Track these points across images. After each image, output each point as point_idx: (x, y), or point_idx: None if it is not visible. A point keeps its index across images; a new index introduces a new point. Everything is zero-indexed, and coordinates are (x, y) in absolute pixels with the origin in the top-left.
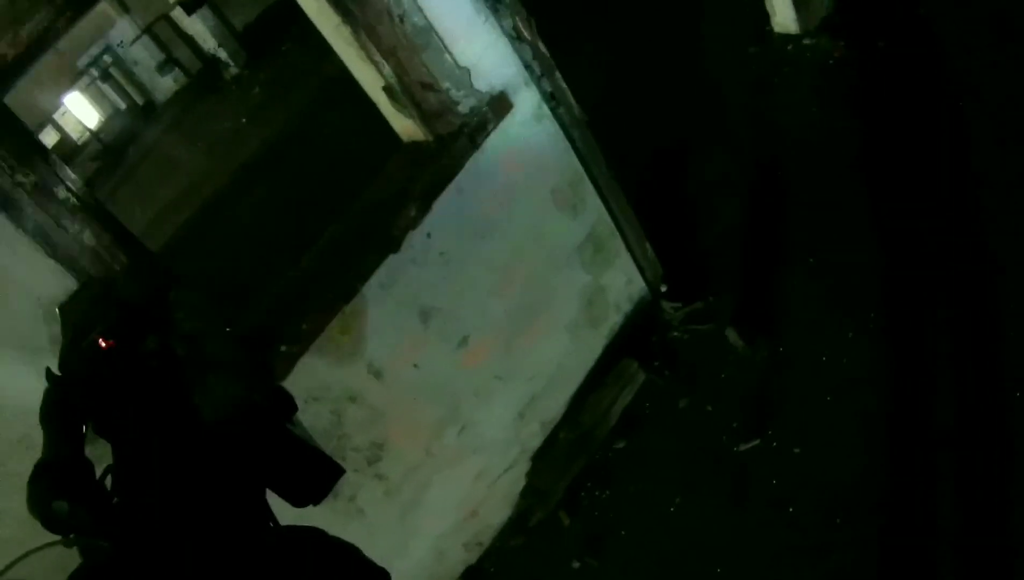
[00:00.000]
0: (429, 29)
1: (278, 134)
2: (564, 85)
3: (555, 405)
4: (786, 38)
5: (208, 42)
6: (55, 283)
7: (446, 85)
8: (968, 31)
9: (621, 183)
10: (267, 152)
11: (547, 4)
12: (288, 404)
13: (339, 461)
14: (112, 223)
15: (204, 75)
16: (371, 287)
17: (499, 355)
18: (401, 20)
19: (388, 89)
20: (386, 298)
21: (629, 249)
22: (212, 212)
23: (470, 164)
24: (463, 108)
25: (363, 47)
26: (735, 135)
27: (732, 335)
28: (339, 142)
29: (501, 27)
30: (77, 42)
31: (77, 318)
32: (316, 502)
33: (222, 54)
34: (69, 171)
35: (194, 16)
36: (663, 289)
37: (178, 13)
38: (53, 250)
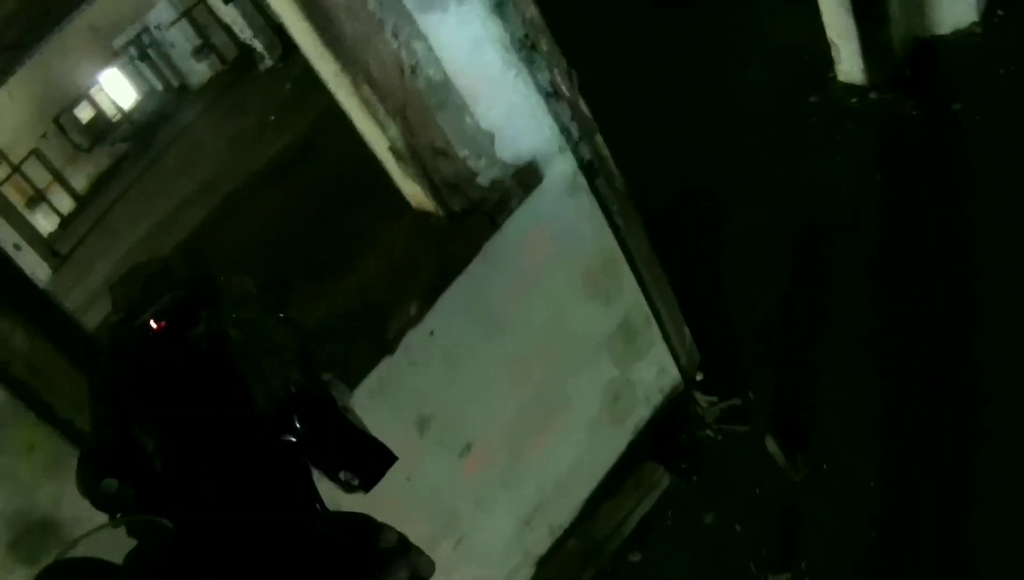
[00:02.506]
0: (447, 84)
1: (302, 137)
2: (606, 151)
3: (566, 508)
4: (851, 89)
5: (244, 32)
6: None
7: (463, 152)
8: None
9: (662, 261)
10: (289, 155)
11: (579, 44)
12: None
13: None
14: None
15: (239, 64)
16: (359, 395)
17: (506, 461)
18: (413, 72)
19: (395, 151)
20: (377, 406)
21: (665, 337)
22: (226, 215)
23: (487, 248)
24: (483, 180)
25: (366, 101)
26: (787, 201)
27: (771, 445)
28: (360, 152)
29: (535, 82)
30: (115, 21)
31: (129, 298)
32: (367, 489)
33: (257, 45)
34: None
35: (231, 4)
36: (698, 378)
37: (216, 1)
38: None
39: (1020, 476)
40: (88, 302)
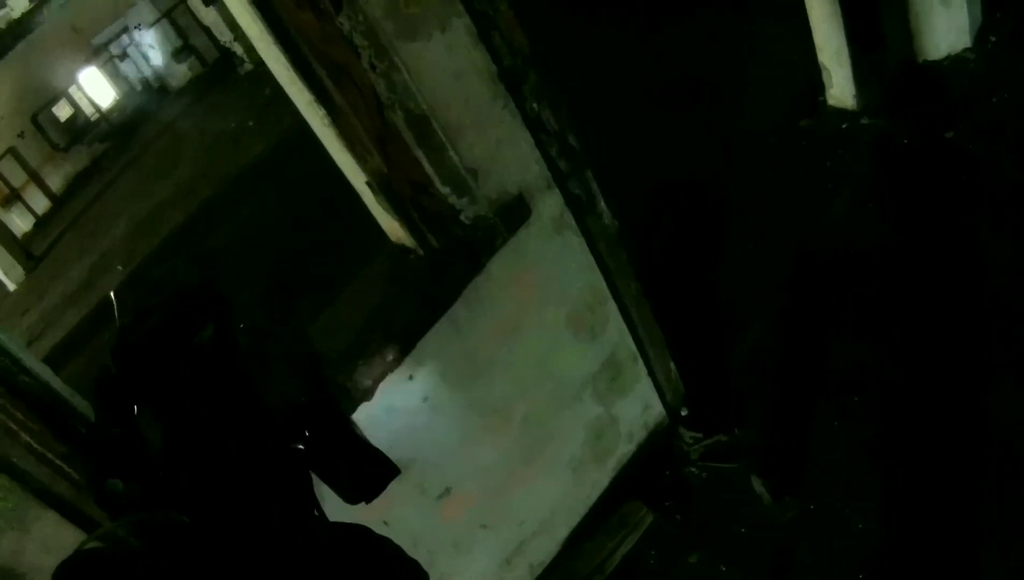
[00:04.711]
0: (427, 118)
1: (280, 142)
2: (595, 185)
3: (547, 547)
4: (841, 114)
5: (224, 35)
6: None
7: (445, 189)
8: None
9: (647, 293)
10: (267, 161)
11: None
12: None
13: None
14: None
15: (218, 67)
16: None
17: (486, 503)
18: (392, 105)
19: (372, 186)
20: None
21: (651, 373)
22: (203, 221)
23: (470, 290)
24: (465, 217)
25: (341, 134)
26: (776, 230)
27: (757, 484)
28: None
29: (523, 115)
30: (95, 20)
31: (136, 302)
32: (369, 500)
33: (237, 48)
34: None
35: (211, 7)
36: (683, 413)
37: (196, 3)
38: None
39: (1016, 517)
40: (63, 305)
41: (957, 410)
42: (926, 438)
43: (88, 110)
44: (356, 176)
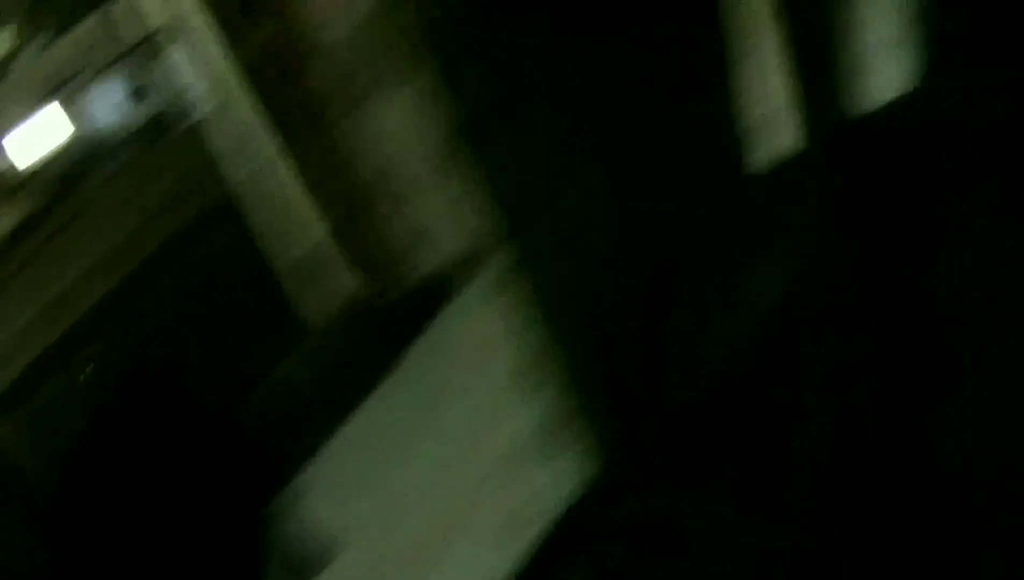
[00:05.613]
0: (387, 174)
1: (229, 196)
2: (545, 240)
3: None
4: (794, 161)
5: (179, 82)
6: None
7: (403, 242)
8: None
9: (593, 347)
10: (214, 216)
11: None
12: None
13: None
14: None
15: (168, 116)
16: None
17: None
18: (354, 160)
19: (328, 238)
20: None
21: (589, 433)
22: (137, 284)
23: (421, 343)
24: (421, 271)
25: (303, 186)
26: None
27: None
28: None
29: (480, 172)
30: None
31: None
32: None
33: (192, 97)
34: None
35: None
36: (624, 472)
37: (151, 49)
38: None
39: (1013, 514)
40: None
41: (952, 409)
42: (921, 438)
43: (23, 164)
44: (313, 228)
